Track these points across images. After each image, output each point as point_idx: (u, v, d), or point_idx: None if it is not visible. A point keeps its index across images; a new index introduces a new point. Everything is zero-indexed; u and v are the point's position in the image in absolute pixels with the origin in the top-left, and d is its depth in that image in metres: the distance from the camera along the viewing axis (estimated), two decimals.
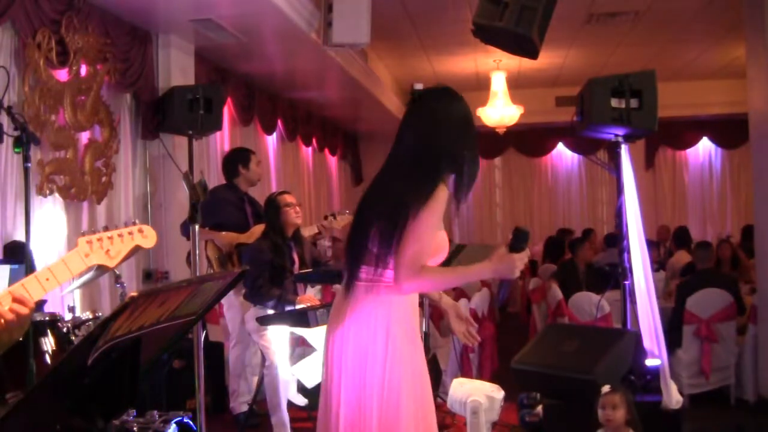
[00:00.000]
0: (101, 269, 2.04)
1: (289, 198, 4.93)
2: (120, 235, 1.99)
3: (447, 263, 3.51)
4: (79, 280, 2.63)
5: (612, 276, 5.08)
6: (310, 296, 4.76)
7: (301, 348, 5.10)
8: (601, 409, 3.50)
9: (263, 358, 5.22)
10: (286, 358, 4.73)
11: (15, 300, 1.83)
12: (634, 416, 3.50)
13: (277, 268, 4.77)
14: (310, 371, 4.99)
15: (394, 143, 2.58)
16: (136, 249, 2.04)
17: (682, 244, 8.21)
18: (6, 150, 4.37)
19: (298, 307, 4.61)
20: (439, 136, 2.50)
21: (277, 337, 4.68)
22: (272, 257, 4.76)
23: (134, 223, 2.04)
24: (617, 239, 4.69)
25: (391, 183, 2.50)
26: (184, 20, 5.78)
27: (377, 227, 2.45)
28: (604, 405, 3.49)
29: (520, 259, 2.38)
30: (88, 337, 1.89)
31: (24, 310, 1.84)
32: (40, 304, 3.61)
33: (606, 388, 3.60)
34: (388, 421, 2.43)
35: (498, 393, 4.00)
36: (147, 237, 2.05)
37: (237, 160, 5.57)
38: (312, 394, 5.12)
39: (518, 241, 2.37)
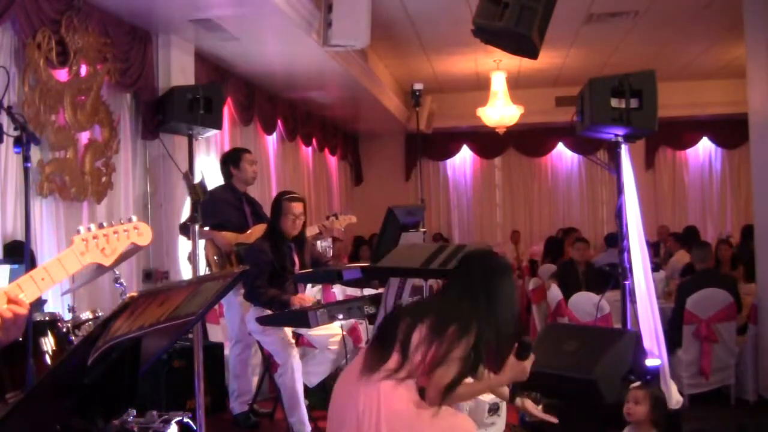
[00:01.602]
0: (100, 268, 2.04)
1: (295, 208, 4.80)
2: (115, 233, 1.98)
3: (446, 264, 3.52)
4: (79, 280, 2.62)
5: (612, 276, 5.08)
6: (302, 296, 4.73)
7: (301, 348, 5.10)
8: (626, 402, 3.55)
9: (263, 358, 5.22)
10: (297, 354, 4.71)
11: (10, 300, 1.82)
12: (659, 417, 3.51)
13: (277, 269, 4.76)
14: (311, 371, 4.99)
15: (461, 276, 2.96)
16: (134, 248, 2.04)
17: (688, 244, 8.15)
18: (6, 150, 4.37)
19: (294, 307, 4.59)
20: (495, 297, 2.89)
21: (284, 336, 4.66)
22: (273, 258, 4.75)
23: (129, 220, 2.03)
24: (617, 239, 4.68)
25: (454, 306, 2.83)
26: (184, 20, 5.78)
27: (424, 328, 2.73)
28: (628, 398, 3.56)
29: (529, 363, 2.81)
30: (88, 337, 1.89)
31: (21, 310, 1.83)
32: (40, 304, 3.61)
33: (636, 384, 3.68)
34: None
35: (488, 395, 3.99)
36: (142, 234, 2.04)
37: (228, 161, 5.58)
38: (312, 393, 5.11)
39: (524, 350, 2.80)
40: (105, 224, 1.99)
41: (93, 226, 1.96)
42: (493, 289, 2.86)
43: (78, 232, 1.94)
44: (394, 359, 2.72)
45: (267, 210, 5.25)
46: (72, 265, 1.91)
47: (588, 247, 7.82)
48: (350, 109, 10.45)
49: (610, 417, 3.67)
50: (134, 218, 2.04)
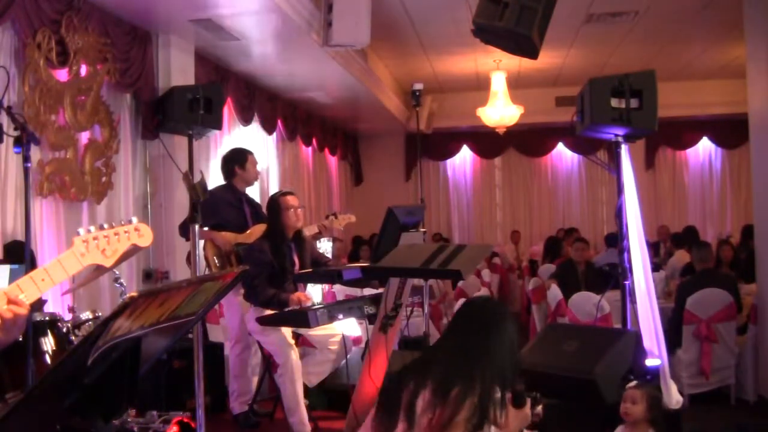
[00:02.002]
0: (100, 269, 2.03)
1: (291, 200, 4.90)
2: (116, 234, 1.97)
3: (446, 264, 3.52)
4: (79, 280, 2.62)
5: (612, 276, 5.08)
6: (301, 294, 4.73)
7: (301, 348, 5.10)
8: (622, 402, 3.53)
9: (263, 358, 5.22)
10: (297, 354, 4.71)
11: (10, 301, 1.82)
12: (657, 415, 3.50)
13: (277, 270, 4.76)
14: (311, 371, 4.99)
15: (461, 330, 2.89)
16: (135, 249, 2.03)
17: (688, 243, 8.15)
18: (6, 150, 4.38)
19: (293, 305, 4.59)
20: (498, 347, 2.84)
21: (284, 336, 4.66)
22: (272, 258, 4.75)
23: (130, 221, 2.03)
24: (617, 239, 4.68)
25: (456, 365, 2.74)
26: (184, 20, 5.78)
27: (427, 393, 2.64)
28: (625, 398, 3.54)
29: (527, 408, 2.80)
30: (88, 337, 1.89)
31: (21, 311, 1.83)
32: (40, 304, 3.61)
33: (632, 383, 3.66)
34: None
35: None
36: (143, 235, 2.03)
37: (233, 160, 5.57)
38: (312, 393, 5.11)
39: (519, 398, 2.79)
40: (105, 225, 1.98)
41: (93, 228, 1.95)
42: (494, 342, 2.81)
43: (78, 233, 1.94)
44: (400, 429, 2.67)
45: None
46: (72, 266, 1.91)
47: (587, 247, 7.82)
48: (350, 109, 10.45)
49: (609, 417, 3.66)
50: (135, 219, 2.04)
